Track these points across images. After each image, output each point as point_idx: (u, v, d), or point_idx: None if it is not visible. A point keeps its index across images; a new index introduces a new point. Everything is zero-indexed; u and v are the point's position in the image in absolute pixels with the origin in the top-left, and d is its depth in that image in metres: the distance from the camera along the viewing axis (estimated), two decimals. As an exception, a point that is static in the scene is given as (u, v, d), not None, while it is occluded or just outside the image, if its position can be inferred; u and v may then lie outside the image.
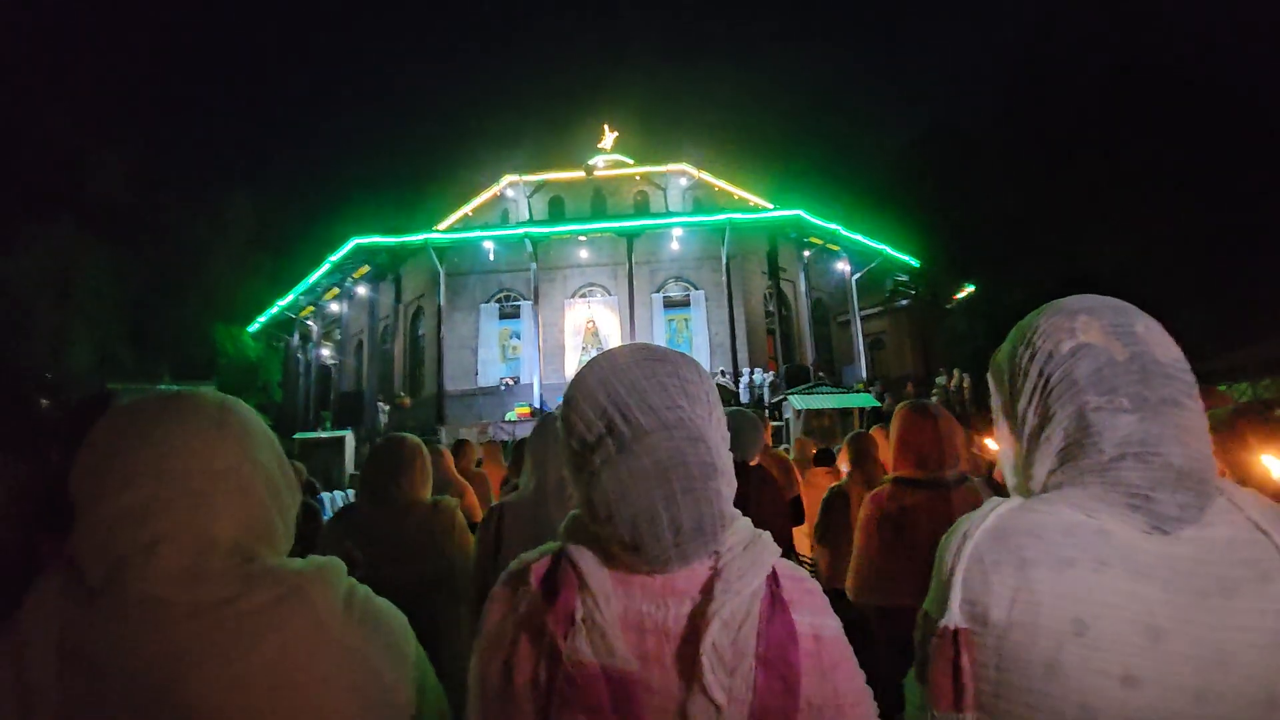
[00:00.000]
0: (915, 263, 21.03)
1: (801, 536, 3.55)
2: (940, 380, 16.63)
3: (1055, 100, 20.56)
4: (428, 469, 2.11)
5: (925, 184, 22.96)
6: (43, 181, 21.60)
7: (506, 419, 15.95)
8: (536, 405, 16.68)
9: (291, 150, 55.28)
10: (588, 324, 19.32)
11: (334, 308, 21.54)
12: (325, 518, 9.48)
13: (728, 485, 0.73)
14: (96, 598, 0.67)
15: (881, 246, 19.87)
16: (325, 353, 23.11)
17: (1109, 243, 18.40)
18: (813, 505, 3.84)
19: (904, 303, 22.91)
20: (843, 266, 20.03)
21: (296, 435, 15.88)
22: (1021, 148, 20.39)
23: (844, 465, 3.42)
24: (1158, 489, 0.68)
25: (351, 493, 11.32)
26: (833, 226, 18.71)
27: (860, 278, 20.25)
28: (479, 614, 1.79)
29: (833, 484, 3.81)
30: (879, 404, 14.39)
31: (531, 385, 17.40)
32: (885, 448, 2.91)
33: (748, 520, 0.77)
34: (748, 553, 0.73)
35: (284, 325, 23.47)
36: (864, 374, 18.47)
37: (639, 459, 0.69)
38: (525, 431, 14.31)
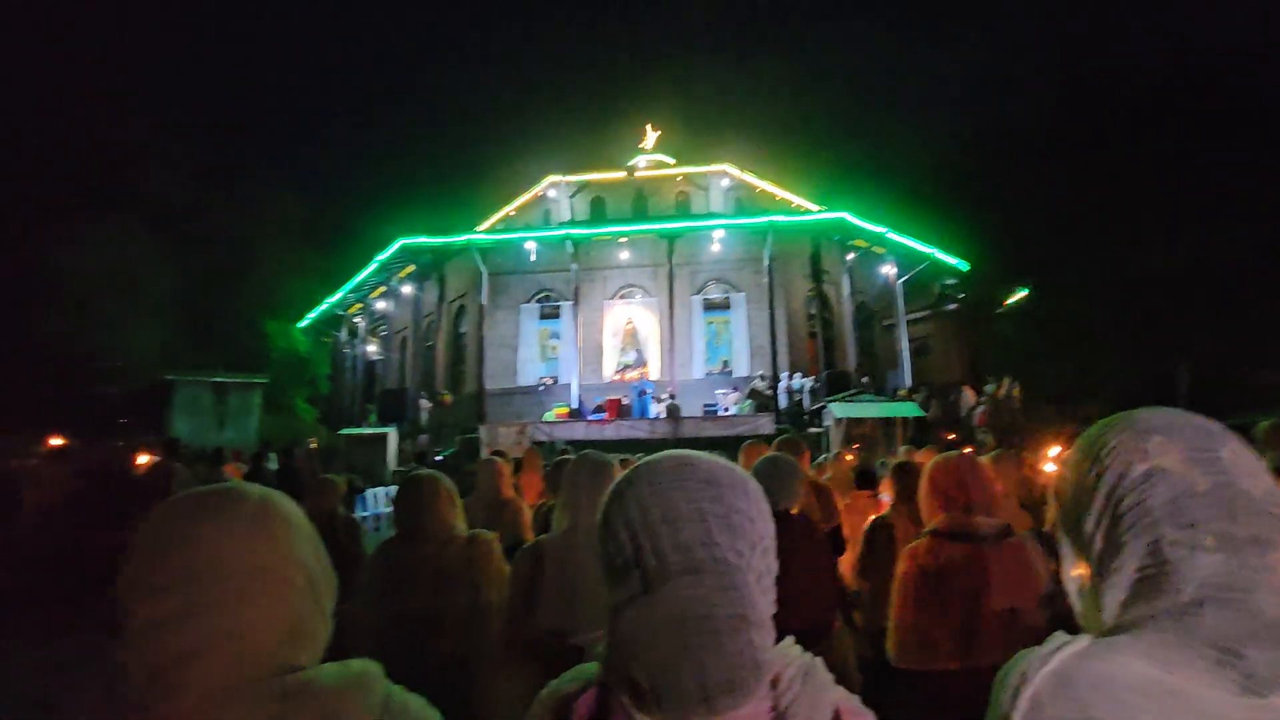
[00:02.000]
0: (964, 265, 20.38)
1: (842, 565, 3.45)
2: (989, 388, 16.09)
3: (1113, 95, 19.65)
4: (454, 500, 2.12)
5: (976, 184, 22.23)
6: (108, 178, 22.72)
7: (544, 419, 16.09)
8: (574, 405, 16.78)
9: (342, 151, 56.85)
10: (627, 325, 19.33)
11: (380, 305, 22.07)
12: (366, 514, 9.69)
13: (764, 635, 0.67)
14: (143, 711, 0.66)
15: (929, 249, 19.32)
16: (371, 349, 23.71)
17: (1172, 245, 17.50)
18: (854, 529, 3.75)
19: (952, 307, 22.23)
20: (888, 269, 19.55)
21: (343, 431, 16.37)
22: (1078, 145, 19.54)
23: (887, 494, 3.31)
24: (1247, 643, 0.60)
25: (394, 490, 11.60)
26: (879, 229, 18.27)
27: (907, 281, 19.74)
28: (509, 651, 1.78)
29: (875, 512, 3.71)
30: (923, 413, 14.01)
31: (570, 385, 17.50)
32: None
33: (796, 647, 0.72)
34: (808, 689, 0.67)
35: (332, 321, 24.16)
36: (908, 381, 18.00)
37: (660, 607, 0.64)
38: (563, 433, 14.48)
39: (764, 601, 0.69)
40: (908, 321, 19.78)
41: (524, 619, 1.73)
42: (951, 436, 12.74)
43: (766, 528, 0.72)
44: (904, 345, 19.07)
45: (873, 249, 19.28)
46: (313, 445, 14.86)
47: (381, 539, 2.14)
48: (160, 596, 0.68)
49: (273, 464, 8.89)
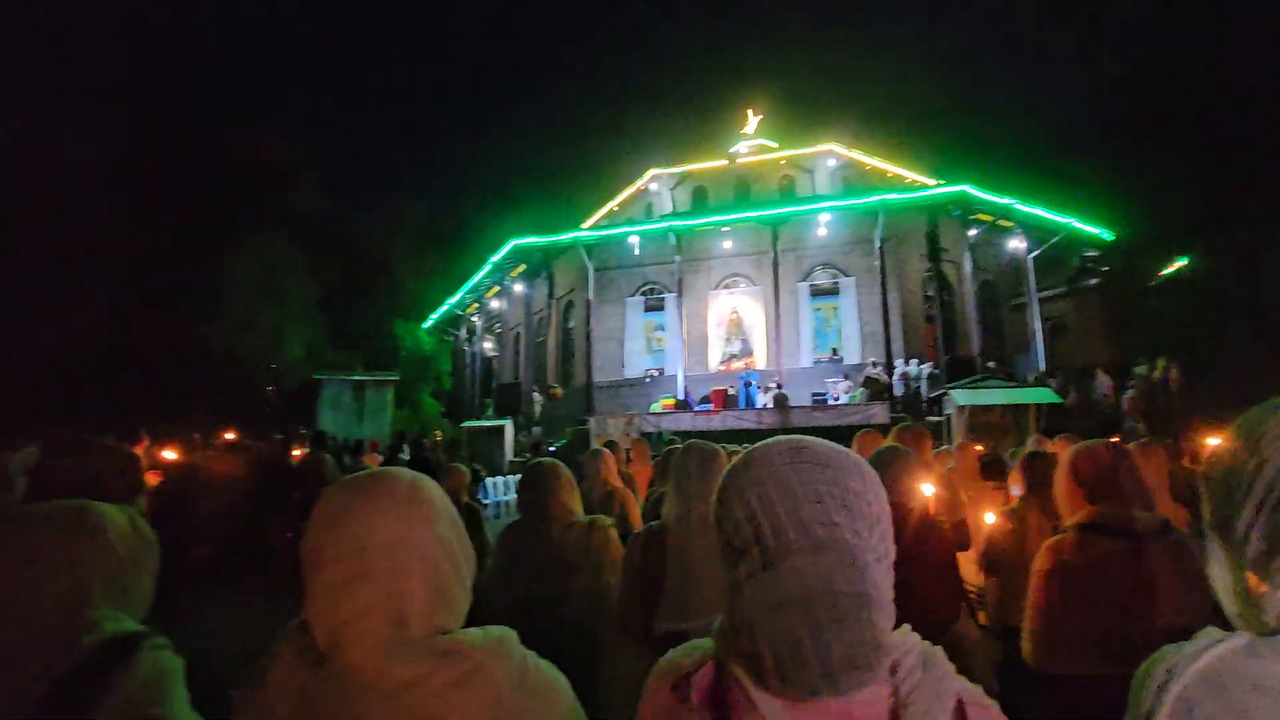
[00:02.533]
0: (1108, 235, 18.35)
1: (965, 561, 3.26)
2: (1140, 369, 14.41)
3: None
4: (573, 485, 2.24)
5: (1121, 141, 19.92)
6: (253, 199, 25.62)
7: (651, 410, 16.29)
8: (680, 397, 16.86)
9: (458, 160, 60.26)
10: (731, 315, 19.14)
11: (494, 304, 23.27)
12: (488, 501, 10.28)
13: (885, 616, 0.66)
14: (322, 663, 0.79)
15: (1065, 219, 17.57)
16: (487, 346, 25.10)
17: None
18: (979, 523, 3.52)
19: (1093, 282, 20.07)
20: (1017, 244, 17.98)
21: (464, 424, 17.45)
22: (1247, 90, 16.96)
23: (1016, 486, 3.09)
24: None
25: (512, 479, 12.24)
26: (1004, 201, 16.83)
27: (1039, 255, 18.06)
28: (623, 635, 1.85)
29: (1002, 505, 3.46)
30: (1061, 399, 12.81)
31: (676, 377, 17.60)
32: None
33: (915, 634, 0.70)
34: (929, 678, 0.66)
35: (452, 321, 25.80)
36: (1042, 364, 16.51)
37: (782, 582, 0.65)
38: (669, 424, 14.60)
39: (885, 582, 0.69)
40: (1041, 300, 18.08)
41: (637, 603, 1.79)
42: (1094, 425, 11.57)
43: (883, 510, 0.71)
44: (1036, 326, 17.47)
45: (998, 223, 17.80)
46: (438, 437, 15.95)
47: (500, 526, 2.30)
48: (332, 566, 0.80)
49: (405, 454, 9.65)
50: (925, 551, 2.16)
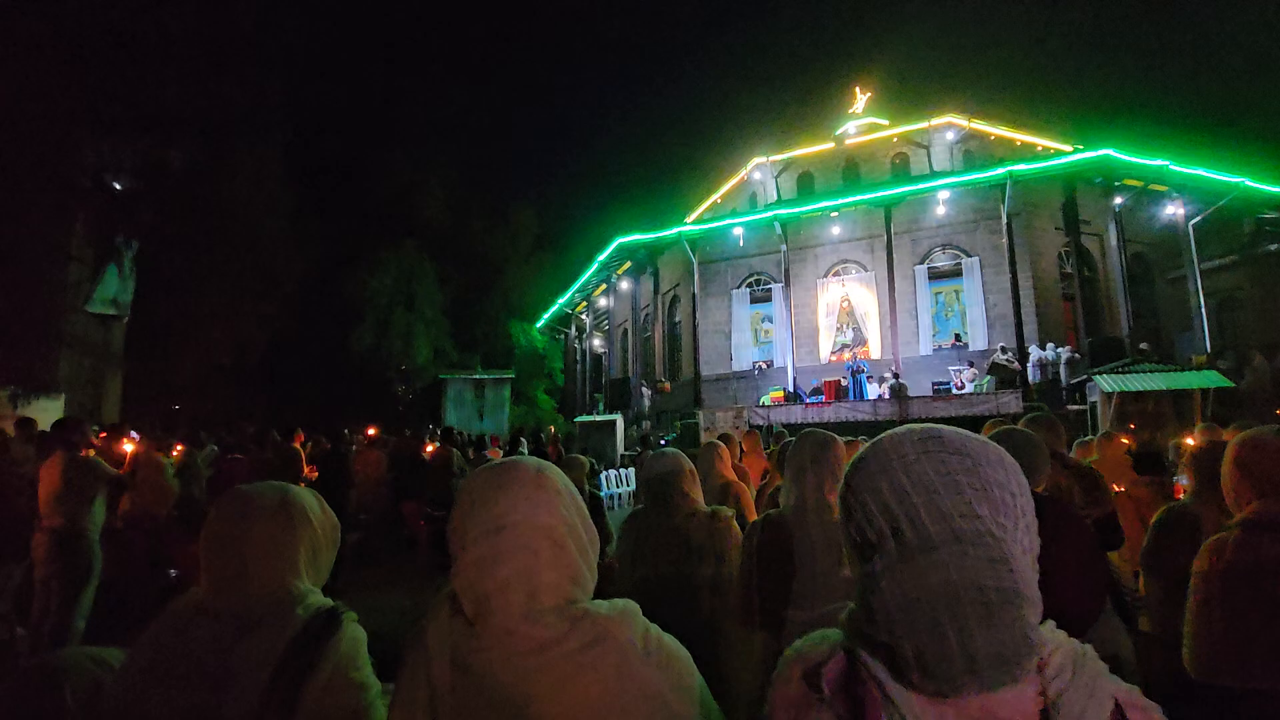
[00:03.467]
0: (1289, 193, 15.89)
1: (1118, 561, 2.98)
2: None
3: None
4: (695, 476, 2.29)
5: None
6: (386, 213, 27.94)
7: (761, 403, 16.07)
8: (790, 389, 16.50)
9: (566, 163, 62.27)
10: (843, 303, 18.44)
11: (602, 302, 23.87)
12: (603, 493, 10.52)
13: (1035, 613, 0.63)
14: (473, 625, 0.89)
15: (1233, 178, 15.38)
16: (596, 343, 25.83)
17: None
18: (1132, 519, 3.21)
19: (1273, 248, 17.45)
20: (1173, 210, 15.97)
21: (577, 419, 18.06)
22: None
23: (1184, 479, 2.77)
24: None
25: (624, 472, 12.52)
26: (1157, 162, 14.97)
27: (1201, 221, 15.95)
28: (743, 621, 1.87)
29: (1160, 500, 3.13)
30: (1231, 384, 11.27)
31: (785, 369, 17.23)
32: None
33: (1061, 631, 0.67)
34: (1080, 679, 0.63)
35: (563, 320, 26.78)
36: (1207, 345, 14.57)
37: (925, 575, 0.62)
38: (779, 416, 14.33)
39: (1033, 577, 0.65)
40: (1204, 272, 15.94)
41: (754, 591, 1.81)
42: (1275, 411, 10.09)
43: (1028, 504, 0.67)
44: (1198, 301, 15.41)
45: (1149, 188, 15.89)
46: (554, 431, 16.61)
47: (615, 517, 2.38)
48: (475, 544, 0.90)
49: (524, 448, 10.15)
50: (1064, 541, 2.00)
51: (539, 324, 27.70)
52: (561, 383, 29.45)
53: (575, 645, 0.86)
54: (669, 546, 2.04)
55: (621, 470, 12.68)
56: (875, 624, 0.65)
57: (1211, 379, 10.91)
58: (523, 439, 10.65)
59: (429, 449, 8.60)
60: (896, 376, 14.54)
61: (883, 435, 0.73)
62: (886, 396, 14.17)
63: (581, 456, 4.16)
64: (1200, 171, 15.25)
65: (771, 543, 1.81)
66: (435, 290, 27.70)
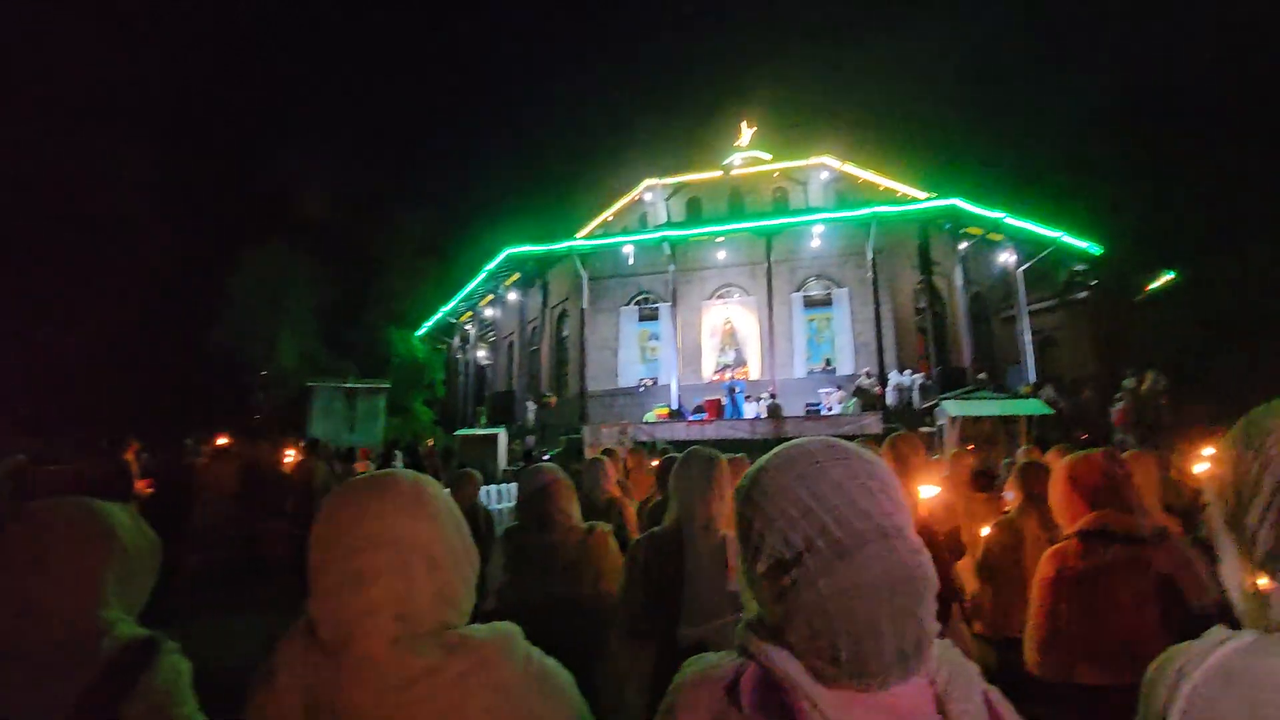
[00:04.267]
0: (1096, 249, 18.59)
1: (960, 570, 3.28)
2: (1128, 383, 14.54)
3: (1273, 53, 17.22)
4: (573, 491, 2.25)
5: (1110, 156, 20.22)
6: (256, 209, 25.71)
7: (645, 420, 16.29)
8: (674, 406, 16.88)
9: (453, 169, 60.38)
10: (725, 325, 19.21)
11: (488, 312, 23.26)
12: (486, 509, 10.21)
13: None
14: (331, 655, 0.80)
15: (1054, 233, 17.78)
16: (481, 354, 25.07)
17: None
18: (972, 533, 3.55)
19: (1082, 295, 20.30)
20: (1006, 257, 18.17)
21: (458, 432, 17.39)
22: (1232, 109, 17.29)
23: (1013, 495, 3.12)
24: None
25: (506, 488, 12.18)
26: (994, 214, 17.04)
27: (1028, 269, 18.25)
28: (627, 639, 1.86)
29: (995, 514, 3.50)
30: (1050, 411, 12.91)
31: (669, 386, 17.62)
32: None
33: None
34: (959, 674, 0.69)
35: (446, 329, 25.78)
36: (1032, 376, 16.64)
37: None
38: (663, 433, 14.59)
39: None
40: (1031, 313, 18.27)
41: (641, 608, 1.81)
42: (1085, 436, 11.67)
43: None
44: (1026, 339, 17.63)
45: (988, 236, 18.00)
46: (430, 445, 15.89)
47: (497, 533, 2.30)
48: (342, 563, 0.82)
49: (398, 462, 9.62)
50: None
51: (420, 333, 26.47)
52: (442, 394, 28.22)
53: (453, 674, 0.80)
54: (547, 565, 1.99)
55: (503, 486, 12.34)
56: (797, 629, 0.67)
57: (1035, 406, 12.44)
58: (397, 452, 10.09)
59: (289, 461, 7.92)
60: (773, 397, 15.32)
61: (782, 448, 0.76)
62: (763, 416, 14.88)
63: (473, 471, 3.99)
64: (1028, 225, 17.50)
65: (656, 559, 1.82)
66: (307, 292, 25.59)
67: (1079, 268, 19.62)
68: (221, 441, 9.52)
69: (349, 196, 28.56)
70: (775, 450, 0.76)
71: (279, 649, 0.84)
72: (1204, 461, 4.36)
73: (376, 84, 60.25)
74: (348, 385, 23.18)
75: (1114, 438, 11.90)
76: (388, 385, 23.87)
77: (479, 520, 3.45)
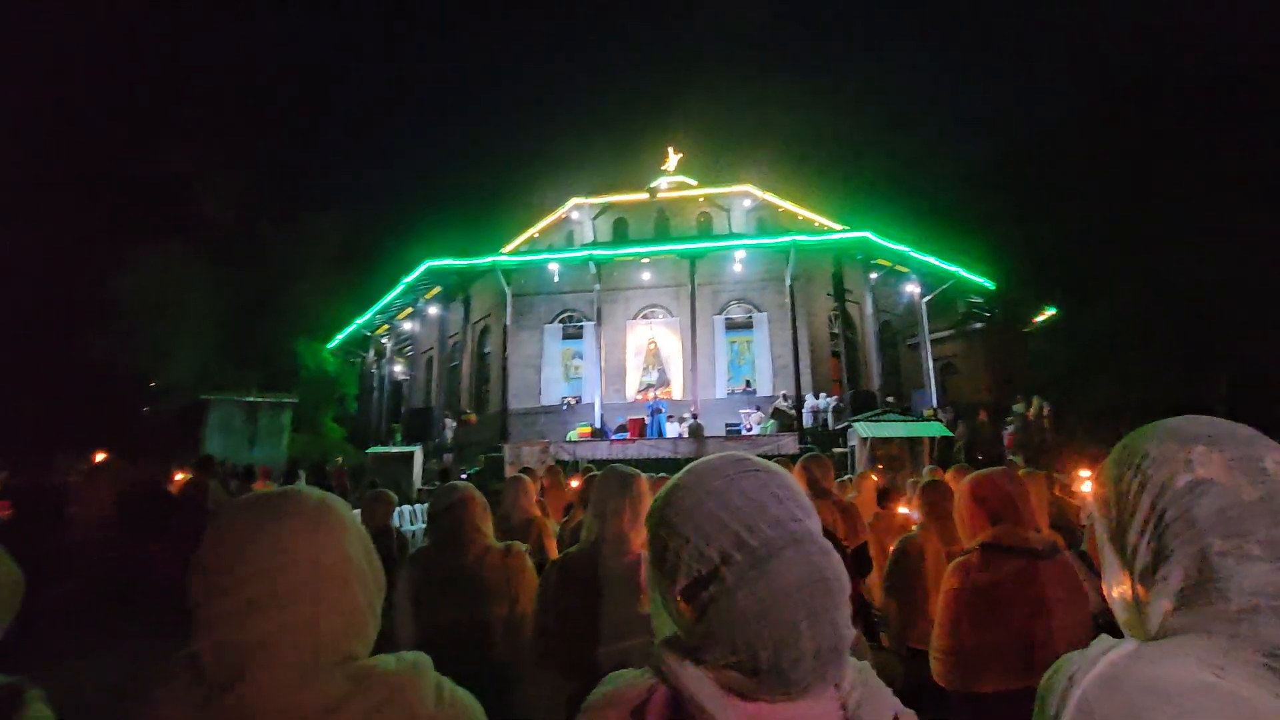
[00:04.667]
0: (990, 284, 20.15)
1: (869, 586, 3.42)
2: (1018, 408, 15.77)
3: (1143, 110, 19.39)
4: (487, 510, 2.18)
5: (1002, 199, 22.00)
6: (152, 206, 23.73)
7: (568, 438, 16.14)
8: (597, 425, 16.82)
9: (372, 176, 58.34)
10: (649, 345, 19.40)
11: (406, 326, 22.47)
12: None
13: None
14: (219, 695, 0.72)
15: (953, 268, 19.15)
16: (397, 369, 24.12)
17: (1204, 262, 17.11)
18: (880, 548, 3.71)
19: (978, 326, 21.93)
20: (912, 288, 19.41)
21: (370, 450, 16.60)
22: (1107, 161, 19.27)
23: (914, 511, 3.29)
24: None
25: (421, 508, 11.71)
26: (901, 248, 18.18)
27: (931, 300, 19.55)
28: (541, 663, 1.82)
29: (902, 529, 3.67)
30: (950, 433, 13.78)
31: (593, 405, 17.57)
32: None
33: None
34: (870, 691, 0.70)
35: (360, 342, 24.65)
36: (934, 400, 17.74)
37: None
38: (586, 452, 14.50)
39: None
40: (933, 341, 19.55)
41: (554, 631, 1.76)
42: (980, 457, 12.50)
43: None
44: (929, 365, 18.83)
45: (896, 268, 19.19)
46: (340, 463, 15.09)
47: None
48: (237, 588, 0.74)
49: (303, 481, 9.07)
50: None
51: (332, 345, 25.15)
52: (355, 410, 26.84)
53: (359, 710, 0.73)
54: (458, 588, 1.90)
55: (417, 506, 11.87)
56: (719, 644, 0.67)
57: (937, 429, 13.22)
58: (302, 471, 9.51)
59: (178, 480, 7.30)
60: (695, 417, 15.56)
61: (691, 467, 0.77)
62: (685, 436, 15.06)
63: (387, 491, 3.80)
64: (931, 259, 18.76)
65: (571, 581, 1.78)
66: (205, 298, 23.64)
67: (975, 300, 21.20)
68: (98, 459, 8.66)
69: (256, 197, 26.70)
70: (685, 469, 0.77)
71: (156, 691, 0.75)
72: (1085, 481, 4.76)
73: (290, 81, 57.67)
74: (249, 399, 21.66)
75: (1006, 459, 12.80)
76: (294, 400, 22.46)
77: (391, 543, 3.28)
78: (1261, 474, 0.67)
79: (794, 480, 0.75)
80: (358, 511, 3.63)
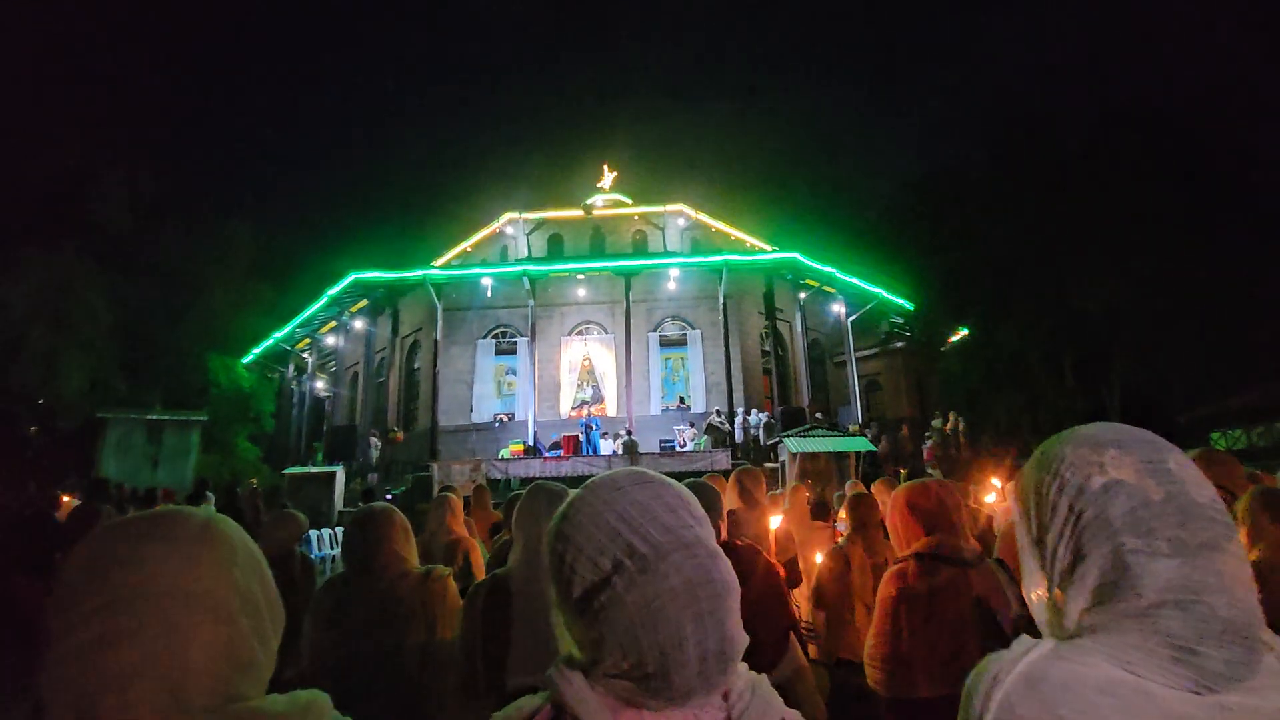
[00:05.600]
0: (910, 305, 21.22)
1: (799, 598, 3.47)
2: (936, 424, 16.59)
3: (1046, 143, 21.01)
4: (408, 534, 2.06)
5: (918, 227, 23.30)
6: (42, 207, 21.76)
7: (500, 456, 15.79)
8: (530, 442, 16.55)
9: (293, 184, 55.98)
10: (584, 361, 19.31)
11: (330, 340, 21.51)
12: (314, 556, 9.24)
13: (738, 604, 0.72)
14: None
15: (876, 289, 20.06)
16: (319, 385, 22.98)
17: (1101, 285, 18.63)
18: (811, 561, 3.77)
19: (899, 345, 23.01)
20: (838, 308, 20.19)
21: (287, 470, 15.70)
22: (1012, 190, 20.75)
23: (842, 524, 3.37)
24: (1203, 641, 0.64)
25: (341, 531, 11.14)
26: (828, 269, 18.92)
27: (856, 319, 20.39)
28: (466, 692, 1.73)
29: (830, 542, 3.76)
30: (874, 447, 14.30)
31: (526, 422, 17.29)
32: (883, 508, 2.84)
33: (744, 664, 0.74)
34: (757, 702, 0.71)
35: (279, 357, 23.39)
36: (859, 416, 18.43)
37: (666, 579, 0.68)
38: (518, 470, 14.22)
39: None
40: (858, 358, 20.36)
41: (479, 658, 1.68)
42: (902, 471, 13.02)
43: (714, 524, 0.77)
44: (854, 382, 19.59)
45: (823, 288, 19.94)
46: (253, 485, 14.19)
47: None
48: (91, 620, 0.64)
49: (210, 504, 8.46)
50: (754, 582, 2.23)
51: (248, 360, 23.69)
52: (271, 428, 25.30)
53: None
54: (372, 615, 1.78)
55: (339, 529, 11.28)
56: (611, 654, 0.67)
57: (862, 444, 13.71)
58: (209, 494, 8.89)
59: (66, 505, 6.66)
60: (629, 433, 15.54)
61: (589, 481, 0.78)
62: (620, 452, 15.01)
63: (295, 512, 3.55)
64: (855, 280, 19.60)
65: (497, 605, 1.70)
66: (101, 308, 21.51)
67: (897, 320, 22.25)
68: (-31, 484, 7.82)
69: (160, 199, 24.73)
70: (584, 484, 0.78)
71: None
72: (992, 491, 5.01)
73: (204, 76, 54.78)
74: (151, 417, 20.13)
75: (925, 471, 13.39)
76: (203, 418, 21.03)
77: (294, 569, 3.06)
78: (1167, 475, 0.71)
79: (687, 492, 0.78)
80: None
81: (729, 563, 0.73)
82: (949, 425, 16.48)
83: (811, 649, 3.24)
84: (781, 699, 0.75)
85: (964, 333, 22.06)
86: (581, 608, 0.70)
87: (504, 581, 1.75)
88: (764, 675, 0.75)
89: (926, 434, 16.48)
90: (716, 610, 0.68)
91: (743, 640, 0.70)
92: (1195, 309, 18.28)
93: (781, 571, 2.66)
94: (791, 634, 2.53)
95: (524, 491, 2.05)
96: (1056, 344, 20.13)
